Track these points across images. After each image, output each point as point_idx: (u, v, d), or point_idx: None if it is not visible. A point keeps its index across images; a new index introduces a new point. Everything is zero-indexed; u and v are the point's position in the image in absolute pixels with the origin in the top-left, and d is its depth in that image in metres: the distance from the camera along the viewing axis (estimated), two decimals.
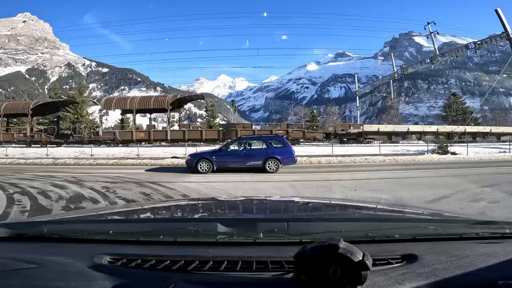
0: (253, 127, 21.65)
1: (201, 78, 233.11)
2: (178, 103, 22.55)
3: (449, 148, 15.34)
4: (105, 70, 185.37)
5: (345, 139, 21.91)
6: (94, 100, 23.89)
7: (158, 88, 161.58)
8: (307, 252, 0.53)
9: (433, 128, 24.68)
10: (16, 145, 19.18)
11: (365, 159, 13.67)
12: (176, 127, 24.20)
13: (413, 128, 24.74)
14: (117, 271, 0.66)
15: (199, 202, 1.59)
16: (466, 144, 16.15)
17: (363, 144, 20.41)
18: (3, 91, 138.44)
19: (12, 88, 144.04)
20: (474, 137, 23.82)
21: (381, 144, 16.03)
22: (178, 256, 0.70)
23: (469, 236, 0.82)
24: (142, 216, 1.27)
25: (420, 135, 23.59)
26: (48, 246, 0.79)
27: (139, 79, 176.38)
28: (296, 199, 1.59)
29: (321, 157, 13.76)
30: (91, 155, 14.50)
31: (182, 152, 14.58)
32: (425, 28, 30.98)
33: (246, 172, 9.31)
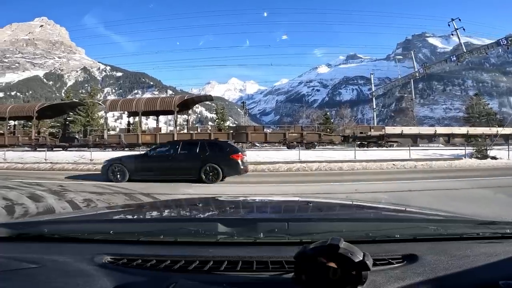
0: (265, 130, 20.16)
1: (212, 82, 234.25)
2: (185, 105, 21.46)
3: (488, 152, 13.48)
4: (119, 74, 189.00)
5: (364, 143, 20.17)
6: (100, 102, 23.05)
7: (170, 92, 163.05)
8: (307, 252, 0.53)
9: (462, 130, 22.51)
10: (21, 149, 18.48)
11: (393, 164, 12.03)
12: (185, 130, 23.16)
13: (441, 130, 22.64)
14: (117, 271, 0.66)
15: (200, 202, 1.50)
16: (507, 147, 14.17)
17: (385, 148, 18.64)
18: (21, 95, 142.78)
19: (30, 92, 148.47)
20: (507, 139, 21.68)
21: (411, 148, 14.23)
22: (178, 256, 0.70)
23: (469, 236, 0.82)
24: (142, 216, 1.27)
25: (448, 138, 21.53)
26: (49, 246, 0.79)
27: (151, 83, 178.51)
28: (297, 199, 1.63)
29: (342, 162, 12.20)
30: (90, 160, 13.46)
31: None
32: (448, 25, 29.13)
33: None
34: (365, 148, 17.57)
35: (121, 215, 1.23)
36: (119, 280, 0.62)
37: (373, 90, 39.94)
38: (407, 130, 21.55)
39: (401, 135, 20.60)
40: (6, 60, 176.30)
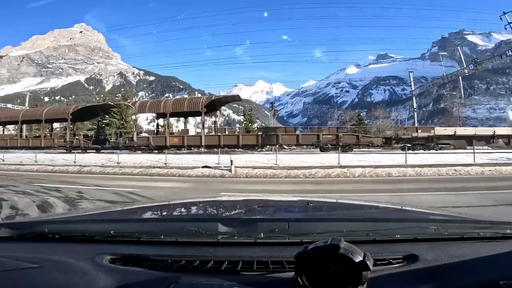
0: (297, 131, 18.70)
1: (239, 85, 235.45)
2: (213, 106, 20.75)
3: None
4: (151, 78, 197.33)
5: (408, 145, 17.94)
6: (130, 104, 23.15)
7: (199, 95, 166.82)
8: (308, 252, 0.53)
9: None
10: (57, 151, 18.87)
11: (455, 170, 10.11)
12: (213, 132, 22.52)
13: (500, 131, 19.56)
14: (118, 270, 0.66)
15: (200, 202, 1.52)
16: None
17: (436, 151, 16.34)
18: (65, 100, 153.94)
19: (73, 96, 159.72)
20: None
21: (469, 151, 12.06)
22: (179, 256, 0.70)
23: (470, 236, 0.81)
24: (143, 216, 1.25)
25: (508, 140, 18.58)
26: (49, 246, 0.79)
27: (181, 86, 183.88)
28: (297, 199, 1.58)
29: (390, 167, 10.50)
30: (117, 162, 13.07)
31: (215, 161, 12.42)
32: (501, 19, 25.54)
33: None
34: (414, 152, 15.43)
35: (122, 215, 1.21)
36: (119, 280, 0.62)
37: (412, 88, 36.62)
38: (461, 131, 18.86)
39: (454, 137, 18.07)
40: (50, 66, 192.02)
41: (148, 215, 1.28)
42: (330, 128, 18.80)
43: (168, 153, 13.28)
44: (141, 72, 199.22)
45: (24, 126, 27.22)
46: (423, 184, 8.51)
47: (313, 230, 0.82)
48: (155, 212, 1.31)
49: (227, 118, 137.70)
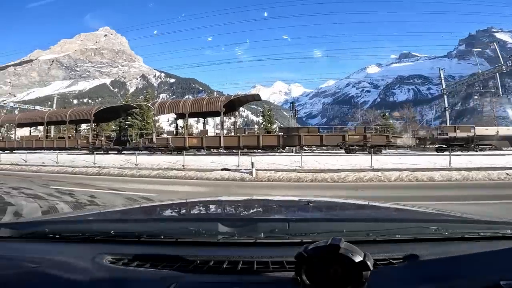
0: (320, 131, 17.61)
1: (257, 85, 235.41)
2: (232, 106, 20.13)
3: None
4: (172, 80, 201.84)
5: (443, 146, 16.37)
6: (149, 105, 23.09)
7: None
8: (308, 252, 0.53)
9: None
10: (81, 152, 19.03)
11: (507, 174, 8.84)
12: (232, 133, 21.94)
13: None
14: (118, 270, 0.66)
15: (200, 202, 1.55)
16: None
17: (477, 152, 14.72)
18: (92, 102, 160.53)
19: (100, 99, 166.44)
20: None
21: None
22: (179, 256, 0.70)
23: (470, 237, 0.81)
24: (143, 216, 1.25)
25: None
26: (50, 246, 0.79)
27: (200, 88, 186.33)
28: (297, 199, 1.56)
29: (431, 171, 9.33)
30: (135, 164, 12.73)
31: (234, 163, 11.75)
32: None
33: None
34: (454, 153, 13.97)
35: (122, 215, 1.20)
36: (120, 280, 0.62)
37: (443, 86, 34.26)
38: (504, 130, 16.97)
39: (495, 137, 16.28)
40: (78, 69, 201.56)
41: (148, 215, 1.27)
42: (357, 128, 17.52)
43: (186, 154, 12.77)
44: (162, 75, 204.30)
45: (53, 127, 28.18)
46: (473, 190, 7.34)
47: (314, 230, 0.80)
48: (155, 212, 1.30)
49: (245, 119, 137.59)
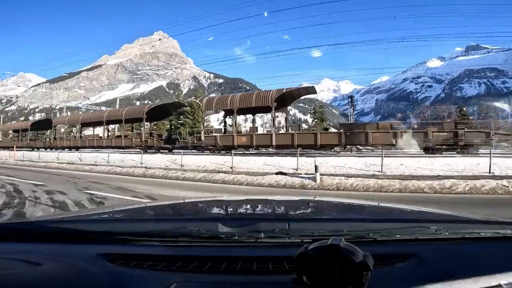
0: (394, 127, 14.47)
1: (303, 84, 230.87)
2: (283, 101, 18.09)
3: None
4: (220, 80, 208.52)
5: None
6: (197, 101, 22.40)
7: None
8: (308, 252, 0.53)
9: None
10: (134, 150, 19.08)
11: None
12: (283, 130, 19.93)
13: None
14: (117, 271, 0.66)
15: (200, 202, 1.54)
16: None
17: None
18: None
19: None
20: None
21: None
22: (178, 256, 0.70)
23: (471, 237, 0.80)
24: (143, 216, 1.24)
25: None
26: (50, 246, 0.79)
27: (247, 88, 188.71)
28: (298, 199, 1.55)
29: None
30: (181, 165, 11.62)
31: (292, 165, 9.77)
32: None
33: None
34: None
35: (122, 215, 1.19)
36: (119, 280, 0.62)
37: None
38: None
39: None
40: (139, 72, 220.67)
41: (148, 215, 1.25)
42: (444, 123, 13.95)
43: (235, 154, 11.21)
44: (211, 75, 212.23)
45: (116, 126, 29.67)
46: None
47: (314, 230, 0.80)
48: (156, 212, 1.28)
49: (292, 117, 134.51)
